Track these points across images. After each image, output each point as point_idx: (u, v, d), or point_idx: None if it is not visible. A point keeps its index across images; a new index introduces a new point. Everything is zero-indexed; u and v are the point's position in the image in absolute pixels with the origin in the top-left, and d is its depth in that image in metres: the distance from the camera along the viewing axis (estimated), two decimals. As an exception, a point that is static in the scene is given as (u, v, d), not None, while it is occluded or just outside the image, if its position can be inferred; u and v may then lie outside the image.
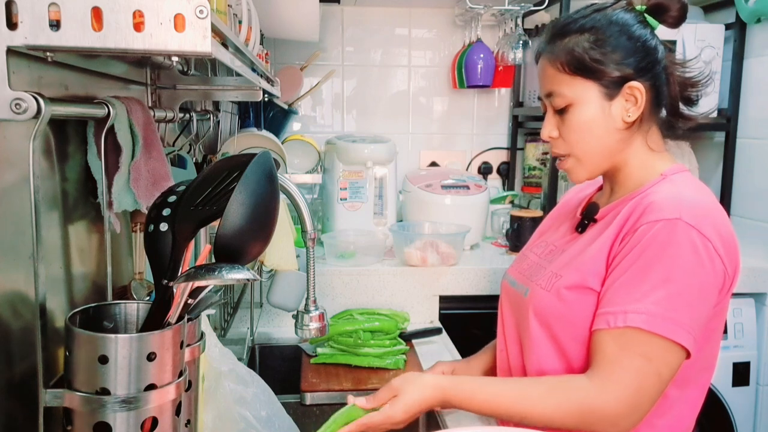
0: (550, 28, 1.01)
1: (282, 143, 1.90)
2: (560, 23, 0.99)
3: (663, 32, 0.99)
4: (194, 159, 1.25)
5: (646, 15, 0.97)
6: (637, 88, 0.94)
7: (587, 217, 1.02)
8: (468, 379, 1.02)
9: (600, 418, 0.86)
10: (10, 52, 0.55)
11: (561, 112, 0.97)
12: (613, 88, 0.94)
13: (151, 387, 0.60)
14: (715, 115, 1.98)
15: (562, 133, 0.98)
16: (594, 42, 0.94)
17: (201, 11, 0.55)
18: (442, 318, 1.83)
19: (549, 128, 1.00)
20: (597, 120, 0.95)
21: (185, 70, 1.14)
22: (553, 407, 0.88)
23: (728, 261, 0.88)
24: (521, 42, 2.21)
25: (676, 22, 0.98)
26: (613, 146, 0.97)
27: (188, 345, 0.70)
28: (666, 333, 0.84)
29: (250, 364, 1.48)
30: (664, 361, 0.85)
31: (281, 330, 1.71)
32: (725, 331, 1.84)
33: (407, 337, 1.64)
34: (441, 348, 1.63)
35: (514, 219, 2.01)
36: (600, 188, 1.10)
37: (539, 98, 1.04)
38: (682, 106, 1.00)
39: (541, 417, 0.89)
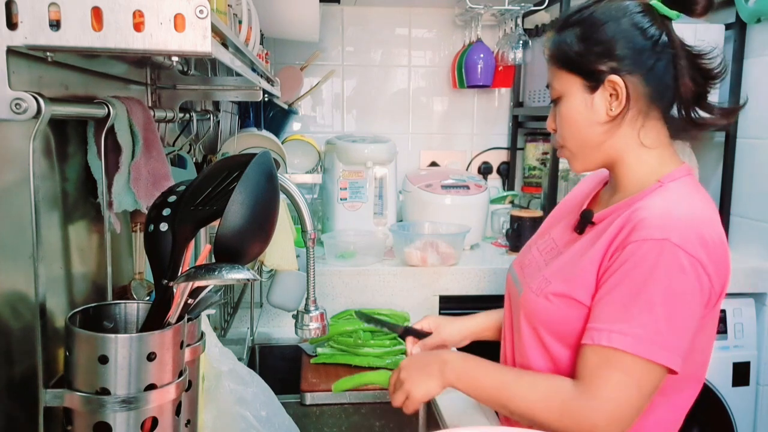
0: (554, 21, 1.04)
1: (282, 143, 1.90)
2: (563, 17, 1.01)
3: None
4: (194, 159, 1.25)
5: (657, 6, 0.94)
6: (615, 82, 0.93)
7: (582, 221, 1.01)
8: (475, 365, 1.01)
9: (578, 422, 0.87)
10: (10, 52, 0.55)
11: (556, 103, 1.01)
12: (594, 81, 0.95)
13: (151, 387, 0.60)
14: (715, 115, 1.98)
15: (557, 125, 1.02)
16: (580, 35, 0.95)
17: (201, 11, 0.55)
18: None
19: (549, 119, 1.04)
20: (580, 112, 0.97)
21: (185, 70, 1.14)
22: (536, 399, 0.91)
23: (716, 276, 0.88)
24: (521, 42, 2.21)
25: (703, 11, 0.95)
26: (596, 139, 0.97)
27: (188, 345, 0.70)
28: (649, 355, 0.85)
29: (250, 364, 1.48)
30: (645, 379, 0.86)
31: (281, 330, 1.71)
32: (725, 331, 1.84)
33: (407, 337, 1.64)
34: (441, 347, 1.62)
35: (514, 219, 2.01)
36: (606, 183, 1.09)
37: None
38: (696, 102, 0.97)
39: (524, 406, 0.92)
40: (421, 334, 1.22)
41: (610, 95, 0.95)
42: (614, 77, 0.93)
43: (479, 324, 1.25)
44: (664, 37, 0.93)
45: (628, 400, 0.86)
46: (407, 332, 1.22)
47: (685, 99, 0.96)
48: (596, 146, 0.98)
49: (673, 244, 0.85)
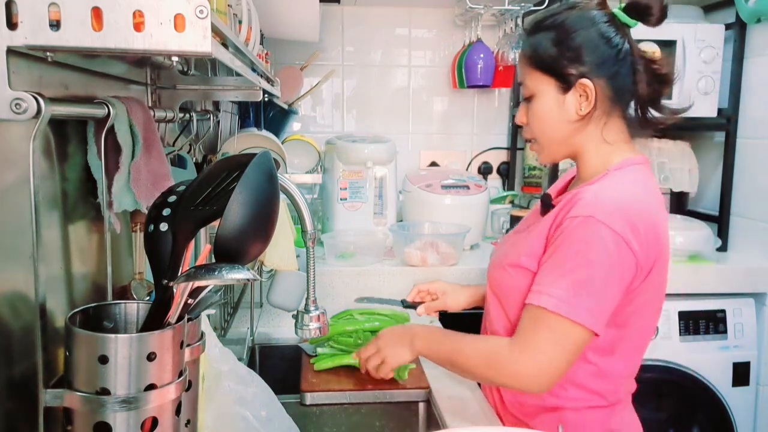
0: (528, 23, 1.11)
1: (282, 143, 1.90)
2: (535, 20, 1.08)
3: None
4: (194, 159, 1.25)
5: (619, 14, 1.03)
6: (586, 85, 1.02)
7: (543, 203, 1.13)
8: (436, 333, 1.18)
9: (505, 370, 1.00)
10: (10, 52, 0.55)
11: (528, 101, 1.09)
12: (567, 82, 1.03)
13: (151, 387, 0.60)
14: (715, 115, 1.98)
15: (529, 120, 1.10)
16: (554, 40, 1.03)
17: (201, 11, 0.55)
18: (442, 318, 1.82)
19: (520, 114, 1.12)
20: (552, 111, 1.06)
21: (185, 70, 1.14)
22: (473, 353, 1.05)
23: (642, 254, 0.97)
24: (521, 42, 2.21)
25: (658, 21, 1.04)
26: (567, 135, 1.07)
27: (188, 345, 0.70)
28: (569, 315, 0.95)
29: (250, 364, 1.48)
30: (567, 337, 0.97)
31: (281, 330, 1.70)
32: (725, 332, 1.84)
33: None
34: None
35: (514, 219, 2.01)
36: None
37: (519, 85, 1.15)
38: (651, 103, 1.07)
39: (463, 360, 1.06)
40: (417, 305, 1.39)
41: (580, 96, 1.04)
42: (585, 81, 1.02)
43: (479, 293, 1.37)
44: (626, 45, 1.03)
45: (552, 355, 0.97)
46: (406, 305, 1.39)
47: (642, 100, 1.06)
48: (564, 141, 1.08)
49: (596, 220, 0.96)
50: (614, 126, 1.07)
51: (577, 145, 1.08)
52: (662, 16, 1.03)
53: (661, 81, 1.05)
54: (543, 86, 1.05)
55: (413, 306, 1.39)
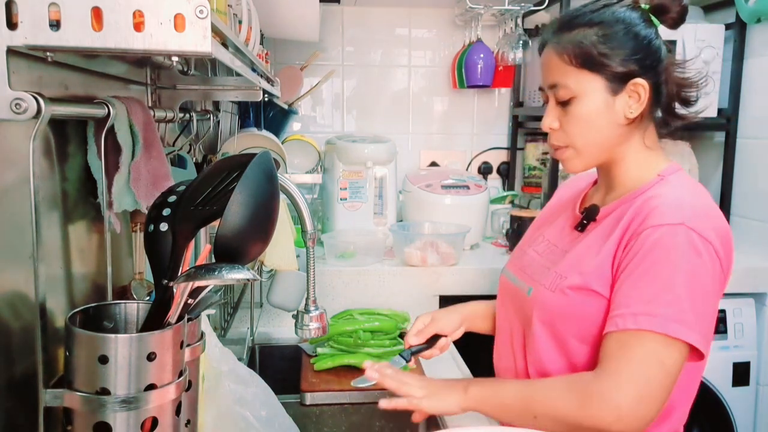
0: (558, 20, 1.01)
1: (282, 143, 1.90)
2: (569, 15, 1.00)
3: (663, 32, 1.00)
4: (194, 159, 1.25)
5: (652, 17, 0.98)
6: (641, 84, 0.95)
7: (587, 217, 1.03)
8: (493, 382, 1.02)
9: (602, 405, 0.86)
10: (10, 52, 0.55)
11: (564, 103, 0.98)
12: (618, 83, 0.95)
13: (151, 387, 0.60)
14: (715, 115, 1.98)
15: (563, 125, 0.99)
16: (602, 36, 0.95)
17: (201, 11, 0.55)
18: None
19: (550, 119, 1.00)
20: (600, 114, 0.96)
21: (185, 70, 1.14)
22: (557, 395, 0.91)
23: (725, 260, 0.91)
24: (521, 42, 2.21)
25: (676, 24, 0.99)
26: (613, 140, 0.98)
27: (188, 345, 0.70)
28: (674, 333, 0.85)
29: (250, 364, 1.48)
30: (669, 357, 0.86)
31: (281, 330, 1.71)
32: (725, 332, 1.84)
33: (407, 337, 1.64)
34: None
35: (514, 219, 2.01)
36: (595, 182, 1.11)
37: (540, 89, 1.04)
38: (677, 106, 1.01)
39: (545, 404, 0.91)
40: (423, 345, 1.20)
41: (629, 97, 0.96)
42: (640, 80, 0.95)
43: (471, 313, 1.26)
44: (662, 46, 0.98)
45: (653, 379, 0.85)
46: (415, 351, 1.20)
47: (671, 104, 1.00)
48: (608, 147, 0.99)
49: (687, 227, 0.88)
50: (652, 130, 1.01)
51: (618, 151, 1.00)
52: (680, 19, 0.98)
53: (684, 85, 1.00)
54: (589, 86, 0.95)
55: (424, 347, 1.20)
